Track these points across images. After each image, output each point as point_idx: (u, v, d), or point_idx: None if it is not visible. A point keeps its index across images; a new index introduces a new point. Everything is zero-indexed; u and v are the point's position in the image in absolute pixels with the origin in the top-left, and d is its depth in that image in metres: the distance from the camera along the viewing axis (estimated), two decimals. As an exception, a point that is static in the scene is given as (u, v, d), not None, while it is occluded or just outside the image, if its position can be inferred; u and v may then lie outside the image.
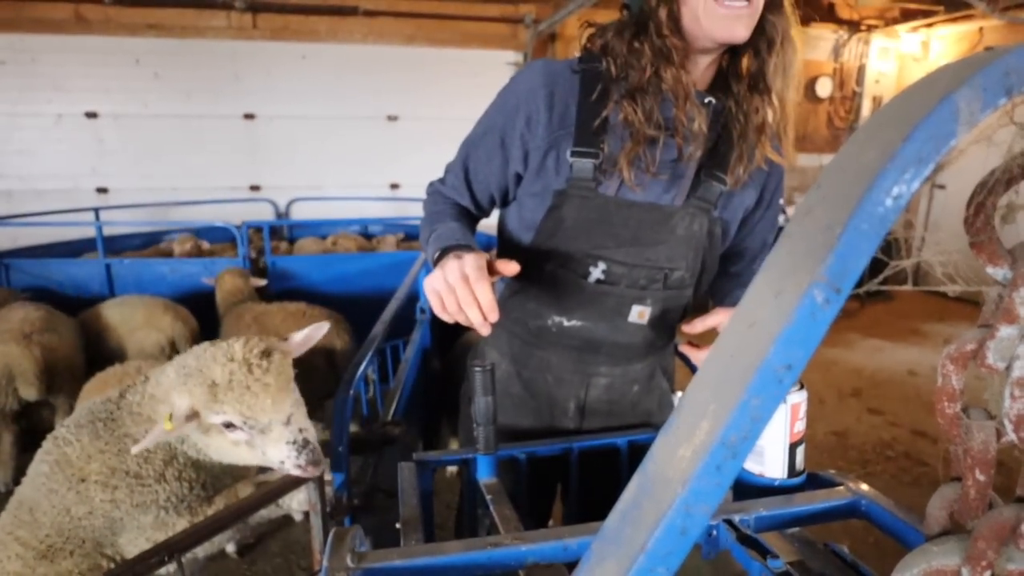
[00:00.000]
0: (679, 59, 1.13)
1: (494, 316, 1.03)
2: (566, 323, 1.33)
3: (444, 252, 1.13)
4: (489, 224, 1.50)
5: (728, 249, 1.42)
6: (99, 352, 3.84)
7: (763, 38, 1.16)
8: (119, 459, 1.55)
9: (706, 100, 1.21)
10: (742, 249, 1.45)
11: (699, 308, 1.41)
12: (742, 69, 1.20)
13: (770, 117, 1.20)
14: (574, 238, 1.25)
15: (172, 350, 3.84)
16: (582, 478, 1.38)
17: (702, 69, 1.21)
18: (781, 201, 1.41)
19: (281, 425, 1.44)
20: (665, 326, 1.36)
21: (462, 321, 1.05)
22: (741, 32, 1.09)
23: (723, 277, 1.49)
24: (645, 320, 1.32)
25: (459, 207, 1.36)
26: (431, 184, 1.41)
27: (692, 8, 1.10)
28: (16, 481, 2.28)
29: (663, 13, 1.12)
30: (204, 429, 1.47)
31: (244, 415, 1.41)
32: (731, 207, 1.30)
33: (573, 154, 1.20)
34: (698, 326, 1.30)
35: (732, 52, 1.22)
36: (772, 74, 1.17)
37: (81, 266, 4.69)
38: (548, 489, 1.55)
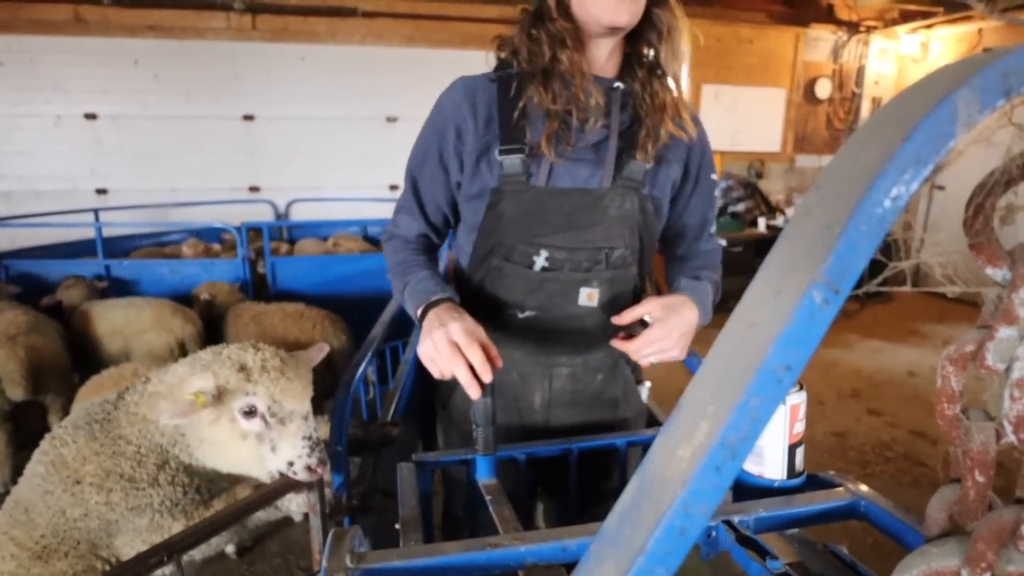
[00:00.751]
0: (572, 42, 1.24)
1: (487, 376, 1.11)
2: (520, 315, 1.38)
3: (425, 310, 1.22)
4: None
5: (668, 230, 1.52)
6: (102, 353, 3.84)
7: (653, 29, 1.27)
8: (113, 461, 1.54)
9: (615, 85, 1.32)
10: (682, 228, 1.51)
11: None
12: (641, 57, 1.31)
13: (668, 98, 1.31)
14: (514, 231, 1.32)
15: (181, 352, 3.84)
16: (565, 478, 1.39)
17: (605, 55, 1.31)
18: (714, 177, 1.48)
19: (301, 418, 1.46)
20: (617, 307, 1.38)
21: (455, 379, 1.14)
22: (623, 17, 1.19)
23: (672, 262, 1.59)
24: (595, 302, 1.37)
25: (420, 248, 1.42)
26: (386, 231, 1.47)
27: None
28: (13, 480, 2.38)
29: (545, 6, 1.26)
30: (213, 419, 1.46)
31: (274, 399, 1.43)
32: (659, 183, 1.37)
33: (501, 152, 1.28)
34: (626, 317, 1.35)
35: (632, 41, 1.32)
36: (665, 60, 1.29)
37: (80, 267, 4.66)
38: (532, 488, 1.56)
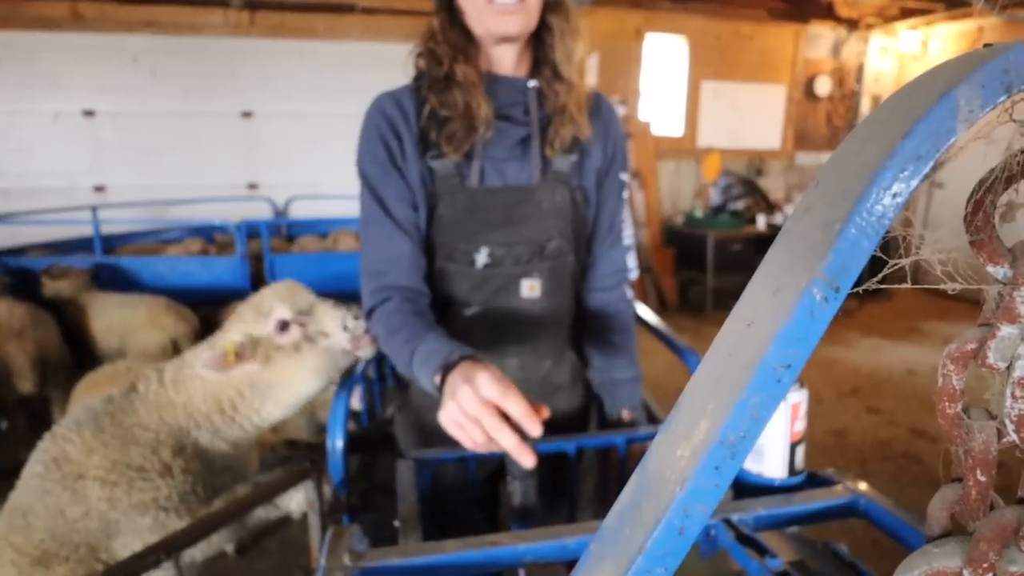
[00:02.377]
0: (465, 56, 1.28)
1: (535, 430, 0.94)
2: (467, 312, 1.39)
3: (445, 375, 1.06)
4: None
5: None
6: (98, 350, 3.86)
7: (548, 33, 1.31)
8: (123, 451, 1.55)
9: (529, 84, 1.35)
10: (593, 226, 1.49)
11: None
12: (544, 58, 1.34)
13: (567, 98, 1.33)
14: (453, 232, 1.34)
15: (174, 350, 3.85)
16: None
17: (512, 58, 1.33)
18: (624, 177, 1.48)
19: (324, 304, 1.58)
20: (560, 295, 1.43)
21: (496, 450, 0.97)
22: (514, 27, 1.23)
23: (586, 270, 1.54)
24: (538, 293, 1.39)
25: (415, 311, 1.31)
26: (368, 316, 1.40)
27: (471, 9, 1.24)
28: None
29: (439, 21, 1.30)
30: (264, 360, 1.54)
31: (293, 304, 1.55)
32: (585, 174, 1.41)
33: (431, 158, 1.32)
34: None
35: (536, 43, 1.35)
36: (559, 62, 1.31)
37: (80, 264, 4.64)
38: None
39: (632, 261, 1.51)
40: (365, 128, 1.36)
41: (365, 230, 1.37)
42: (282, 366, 1.55)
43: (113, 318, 3.90)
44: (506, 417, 0.94)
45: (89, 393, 2.93)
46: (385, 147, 1.33)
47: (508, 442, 0.93)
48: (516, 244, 1.35)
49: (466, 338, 1.30)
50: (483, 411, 0.93)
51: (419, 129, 1.33)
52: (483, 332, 1.40)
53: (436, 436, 1.30)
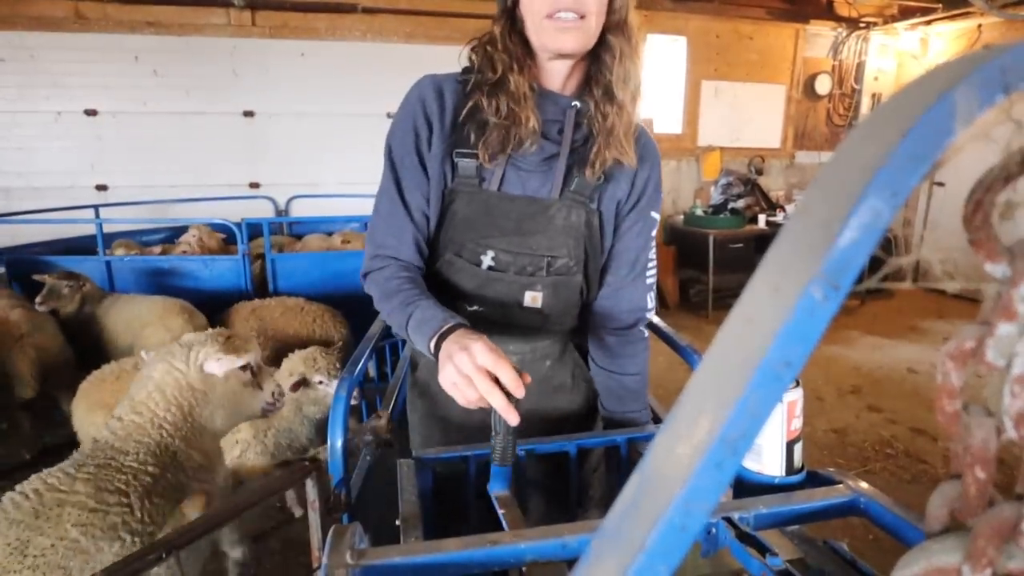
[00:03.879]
0: (521, 65, 1.28)
1: (520, 392, 1.05)
2: (468, 309, 1.42)
3: (440, 340, 1.16)
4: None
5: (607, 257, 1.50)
6: (114, 350, 3.87)
7: (608, 53, 1.29)
8: (106, 479, 1.72)
9: (572, 104, 1.35)
10: (613, 257, 1.50)
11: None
12: (598, 78, 1.32)
13: (616, 121, 1.32)
14: (465, 230, 1.37)
15: None
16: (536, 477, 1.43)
17: (563, 75, 1.33)
18: (655, 216, 1.47)
19: (273, 369, 2.44)
20: (562, 309, 1.45)
21: (486, 406, 1.08)
22: (570, 44, 1.22)
23: (601, 303, 1.53)
24: (539, 304, 1.41)
25: (412, 277, 1.37)
26: (370, 261, 1.43)
27: (530, 22, 1.25)
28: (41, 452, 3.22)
29: (499, 28, 1.29)
30: (225, 379, 2.12)
31: (255, 359, 2.25)
32: (605, 200, 1.41)
33: (457, 155, 1.34)
34: None
35: (592, 62, 1.34)
36: (615, 84, 1.30)
37: (81, 263, 4.68)
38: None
39: (652, 301, 1.50)
40: (403, 106, 1.38)
41: (379, 200, 1.42)
42: (231, 388, 2.12)
43: (128, 316, 3.91)
44: (496, 381, 1.04)
45: (95, 391, 2.94)
46: (415, 133, 1.35)
47: (498, 402, 1.05)
48: (523, 254, 1.37)
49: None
50: (477, 375, 1.05)
51: (453, 123, 1.34)
52: (484, 329, 1.34)
53: (449, 422, 1.43)
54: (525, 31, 1.28)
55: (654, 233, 1.47)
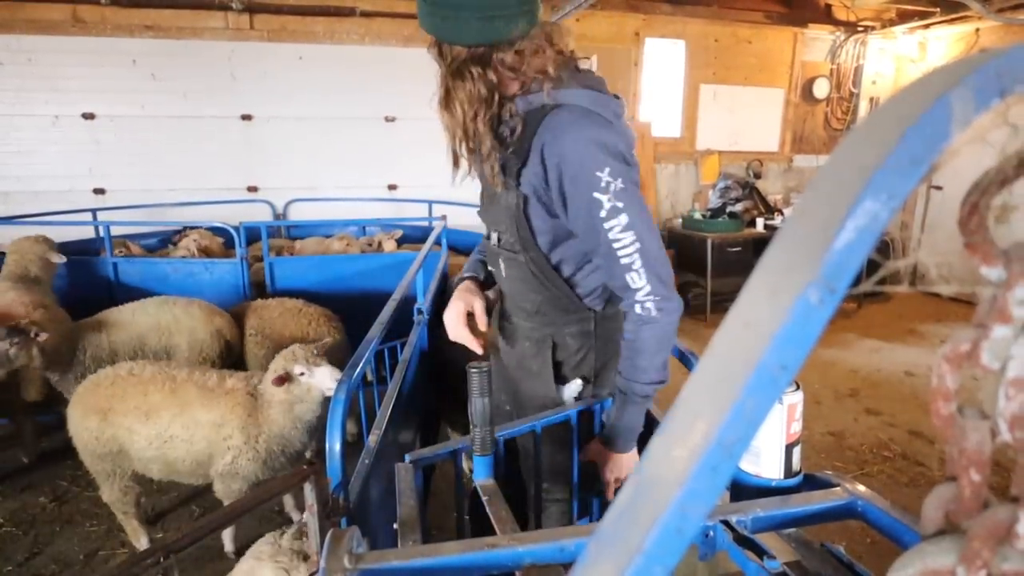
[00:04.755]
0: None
1: (483, 326, 1.72)
2: (493, 269, 1.82)
3: (457, 284, 1.77)
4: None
5: (579, 245, 1.61)
6: (137, 353, 3.90)
7: None
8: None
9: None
10: (582, 239, 1.57)
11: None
12: None
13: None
14: (482, 215, 1.78)
15: (226, 350, 4.05)
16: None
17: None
18: (598, 196, 1.44)
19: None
20: (518, 287, 1.71)
21: (460, 340, 1.71)
22: None
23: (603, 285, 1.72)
24: (505, 273, 1.73)
25: (481, 247, 1.93)
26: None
27: None
28: (39, 457, 3.44)
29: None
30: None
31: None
32: (524, 182, 1.54)
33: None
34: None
35: None
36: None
37: (88, 264, 4.78)
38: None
39: (640, 281, 1.46)
40: None
41: None
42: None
43: (148, 319, 3.93)
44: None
45: (90, 396, 2.93)
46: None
47: (465, 336, 1.69)
48: (490, 226, 1.74)
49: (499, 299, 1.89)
50: (459, 318, 1.71)
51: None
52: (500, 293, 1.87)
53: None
54: None
55: (602, 214, 1.43)
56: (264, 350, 4.09)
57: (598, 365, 1.74)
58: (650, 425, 1.71)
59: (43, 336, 3.30)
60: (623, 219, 1.42)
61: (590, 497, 1.79)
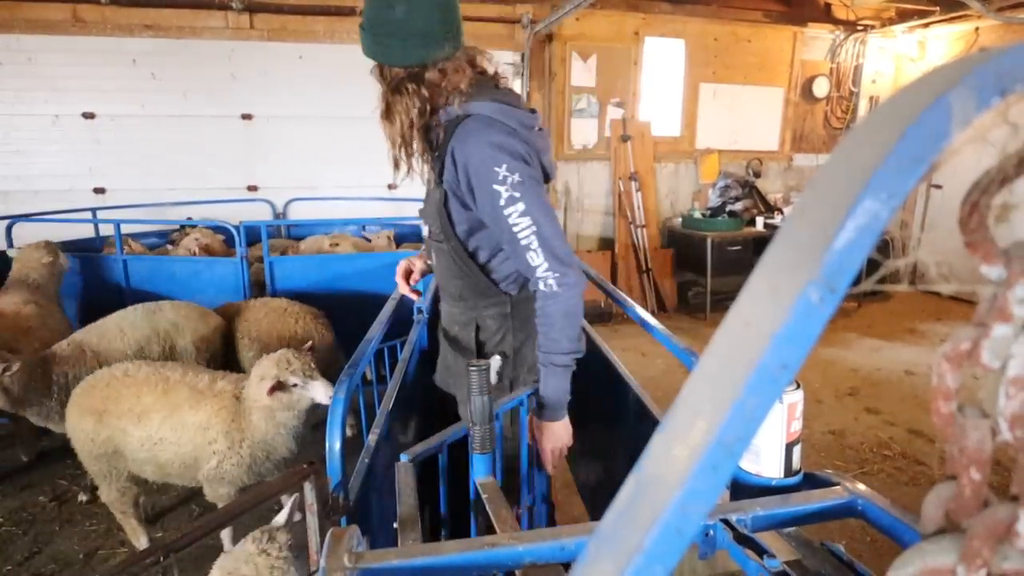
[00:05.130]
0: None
1: (415, 278, 2.21)
2: (431, 261, 2.12)
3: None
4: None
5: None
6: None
7: None
8: None
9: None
10: (492, 233, 1.82)
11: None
12: None
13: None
14: (421, 212, 2.02)
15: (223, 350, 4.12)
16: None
17: None
18: (497, 188, 1.67)
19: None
20: (444, 273, 1.97)
21: (405, 292, 2.22)
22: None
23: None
24: (435, 262, 2.02)
25: None
26: None
27: None
28: (39, 456, 3.42)
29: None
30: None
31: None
32: (445, 180, 1.78)
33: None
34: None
35: None
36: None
37: (100, 262, 4.87)
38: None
39: (538, 258, 1.66)
40: None
41: None
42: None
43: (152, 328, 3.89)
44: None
45: (86, 398, 2.92)
46: None
47: (402, 286, 2.20)
48: (424, 219, 1.97)
49: None
50: (402, 272, 2.18)
51: None
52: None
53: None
54: None
55: (501, 203, 1.66)
56: (252, 352, 4.10)
57: (516, 344, 1.97)
58: (650, 424, 1.71)
59: (12, 370, 3.10)
60: (520, 206, 1.65)
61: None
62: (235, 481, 2.91)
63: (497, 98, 1.76)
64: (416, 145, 1.82)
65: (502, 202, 1.66)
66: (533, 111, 1.83)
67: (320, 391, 2.77)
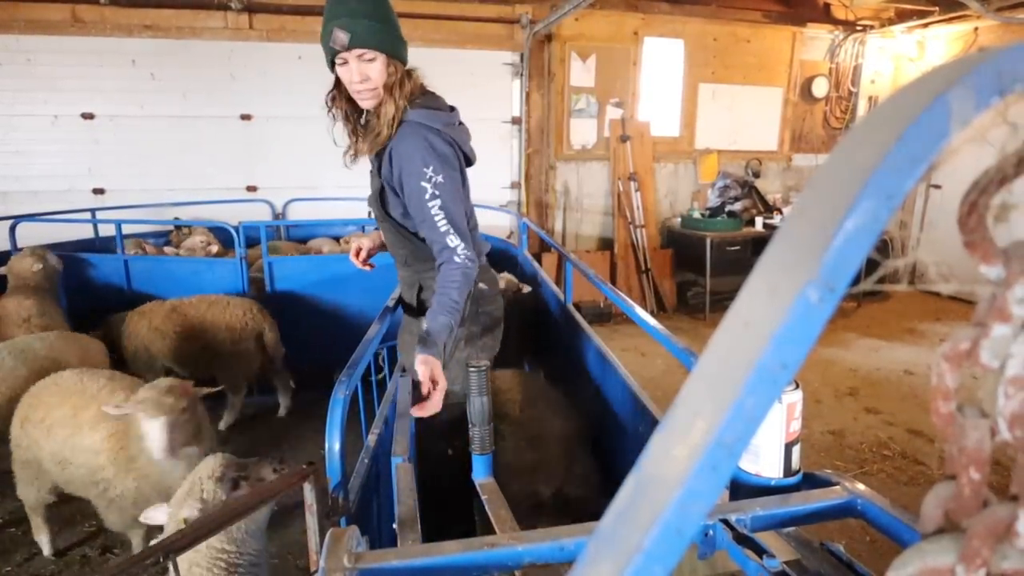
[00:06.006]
0: (346, 117, 2.24)
1: (363, 255, 2.45)
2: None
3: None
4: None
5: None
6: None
7: (383, 99, 2.06)
8: None
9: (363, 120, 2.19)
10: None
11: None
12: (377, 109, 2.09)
13: (377, 132, 2.09)
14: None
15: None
16: None
17: (372, 107, 2.10)
18: (424, 184, 2.01)
19: None
20: (393, 246, 2.34)
21: (359, 264, 2.45)
22: (369, 104, 2.08)
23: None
24: (385, 239, 2.38)
25: None
26: None
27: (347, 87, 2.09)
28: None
29: (333, 94, 2.25)
30: None
31: None
32: (383, 174, 2.17)
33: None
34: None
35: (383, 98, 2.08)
36: (380, 111, 2.07)
37: (102, 262, 4.91)
38: None
39: (454, 240, 2.03)
40: None
41: None
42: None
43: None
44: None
45: (24, 400, 2.90)
46: None
47: (353, 261, 2.43)
48: (370, 203, 2.32)
49: None
50: (354, 249, 2.42)
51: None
52: None
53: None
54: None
55: (426, 197, 2.02)
56: (197, 345, 4.18)
57: None
58: (650, 424, 1.71)
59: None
60: (438, 202, 2.02)
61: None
62: (125, 511, 2.70)
63: (426, 103, 2.10)
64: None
65: (427, 196, 2.02)
66: (453, 108, 2.19)
67: (155, 431, 2.50)
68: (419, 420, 1.81)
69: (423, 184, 2.02)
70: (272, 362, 4.47)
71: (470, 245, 2.07)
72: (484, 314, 2.36)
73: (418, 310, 2.35)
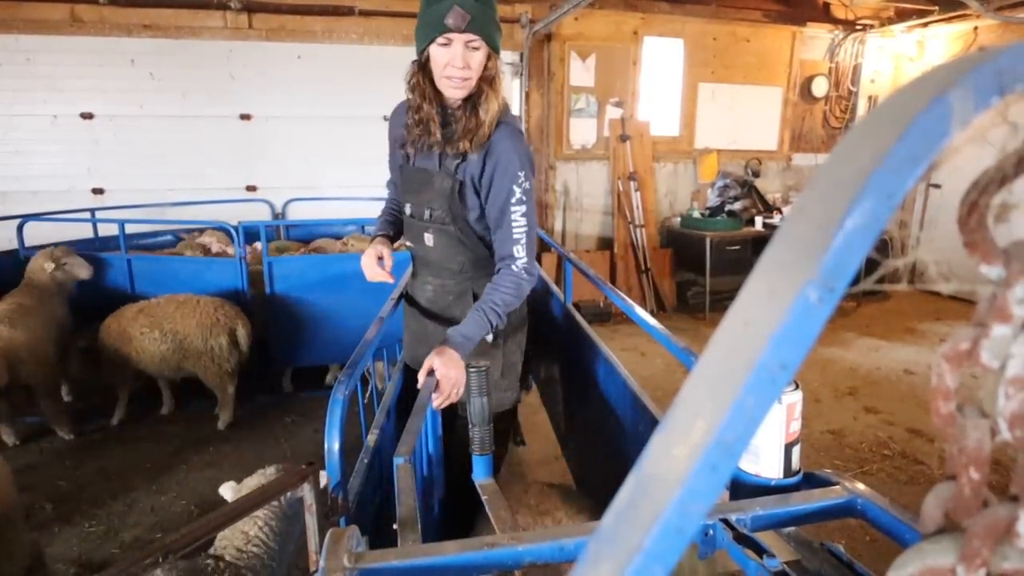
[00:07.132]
0: (431, 99, 1.99)
1: (388, 264, 2.19)
2: (408, 245, 2.31)
3: (372, 240, 2.29)
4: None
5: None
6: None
7: (481, 95, 1.98)
8: None
9: (448, 111, 2.04)
10: (488, 219, 2.10)
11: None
12: (475, 102, 2.00)
13: (469, 125, 1.99)
14: (401, 190, 2.26)
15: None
16: None
17: (457, 99, 2.00)
18: (515, 188, 1.99)
19: None
20: (446, 252, 2.18)
21: (378, 279, 2.18)
22: (458, 94, 1.96)
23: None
24: (432, 244, 2.18)
25: (390, 206, 2.46)
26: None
27: (435, 74, 1.96)
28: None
29: (417, 78, 2.01)
30: None
31: None
32: (464, 173, 2.05)
33: (399, 146, 2.18)
34: (421, 374, 1.84)
35: (474, 92, 1.99)
36: (481, 105, 1.98)
37: (105, 261, 4.92)
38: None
39: (521, 251, 2.02)
40: (391, 120, 2.28)
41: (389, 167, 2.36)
42: None
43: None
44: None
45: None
46: (391, 137, 2.26)
47: (378, 273, 2.17)
48: (419, 206, 2.16)
49: (415, 267, 2.37)
50: (374, 260, 2.16)
51: (401, 129, 2.14)
52: (417, 263, 2.34)
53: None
54: (434, 79, 1.97)
55: (513, 200, 1.99)
56: (166, 345, 4.20)
57: None
58: (649, 424, 1.71)
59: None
60: (523, 208, 2.00)
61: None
62: None
63: (508, 109, 2.06)
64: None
65: (514, 200, 1.99)
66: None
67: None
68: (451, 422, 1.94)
69: (514, 187, 1.98)
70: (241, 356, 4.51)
71: (533, 263, 2.05)
72: (514, 312, 2.26)
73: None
